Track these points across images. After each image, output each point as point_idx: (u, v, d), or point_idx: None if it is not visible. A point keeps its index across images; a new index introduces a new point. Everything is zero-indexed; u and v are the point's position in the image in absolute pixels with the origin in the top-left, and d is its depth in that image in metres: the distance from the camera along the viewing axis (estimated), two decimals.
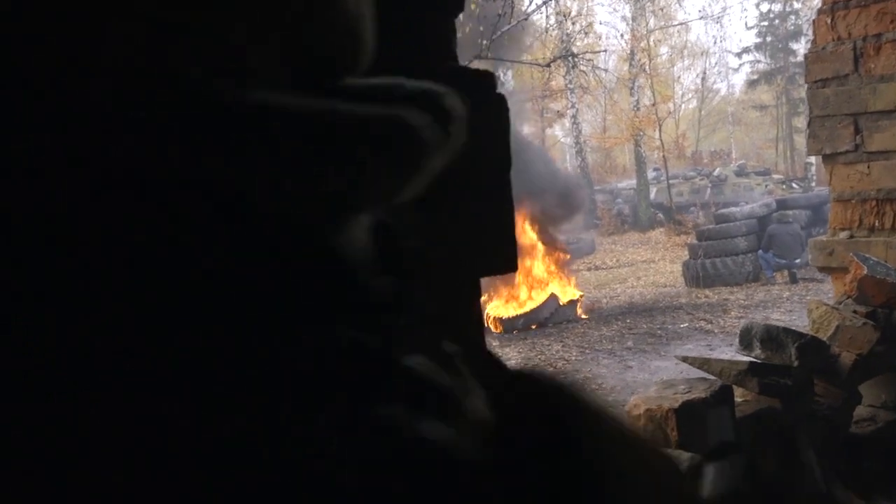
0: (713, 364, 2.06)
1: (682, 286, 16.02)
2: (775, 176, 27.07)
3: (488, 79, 1.04)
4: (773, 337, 2.14)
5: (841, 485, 2.27)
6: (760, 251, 15.27)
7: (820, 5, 2.79)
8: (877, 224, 2.70)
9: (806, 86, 2.90)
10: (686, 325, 11.88)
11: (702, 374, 2.14)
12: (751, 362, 2.01)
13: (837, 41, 2.71)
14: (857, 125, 2.69)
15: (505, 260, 1.09)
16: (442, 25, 1.01)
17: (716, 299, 13.99)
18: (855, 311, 2.45)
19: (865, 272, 2.48)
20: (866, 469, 2.42)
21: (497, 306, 13.21)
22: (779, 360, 2.15)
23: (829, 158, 2.77)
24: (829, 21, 2.73)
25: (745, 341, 2.17)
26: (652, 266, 20.60)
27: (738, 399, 2.15)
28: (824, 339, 2.32)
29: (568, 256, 14.58)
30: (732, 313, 12.45)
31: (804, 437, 2.17)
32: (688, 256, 16.55)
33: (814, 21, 2.81)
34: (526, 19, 11.86)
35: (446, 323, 0.90)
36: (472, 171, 1.02)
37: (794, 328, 2.20)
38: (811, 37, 2.86)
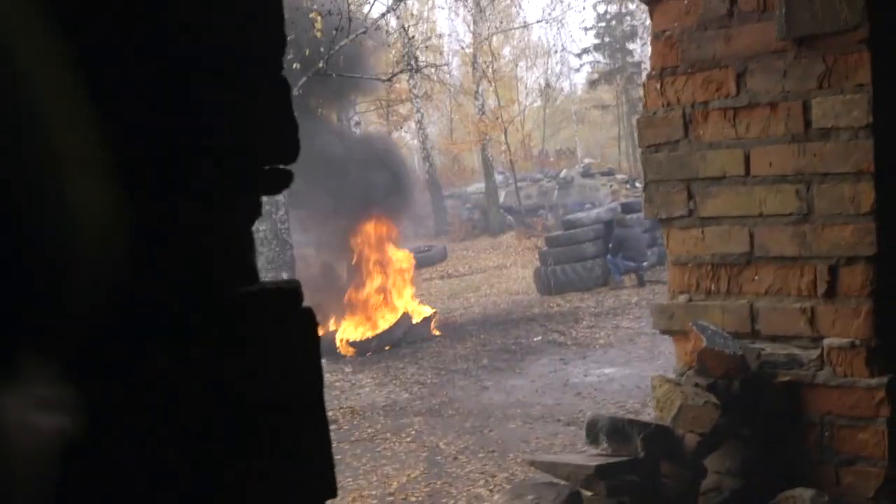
0: (560, 468, 2.04)
1: (534, 293, 16.40)
2: (619, 176, 28.16)
3: (291, 293, 0.95)
4: (618, 430, 2.15)
5: None
6: (609, 256, 15.84)
7: (649, 71, 2.85)
8: (713, 288, 2.79)
9: (639, 148, 2.96)
10: (539, 338, 12.15)
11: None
12: (597, 466, 2.01)
13: (667, 107, 2.78)
14: (690, 190, 2.77)
15: (326, 484, 1.00)
16: (237, 241, 0.91)
17: (567, 307, 14.39)
18: (696, 384, 2.51)
19: (705, 344, 2.54)
20: None
21: (348, 328, 13.08)
22: (626, 453, 2.16)
23: (665, 223, 2.84)
24: (658, 87, 2.80)
25: (592, 435, 2.18)
26: (504, 272, 20.99)
27: (587, 494, 2.14)
28: (668, 418, 2.36)
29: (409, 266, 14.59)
30: (584, 322, 12.84)
31: None
32: (538, 263, 16.97)
33: (643, 85, 2.87)
34: (364, 32, 11.79)
35: None
36: (281, 389, 0.93)
37: (638, 419, 2.22)
38: (642, 94, 2.93)
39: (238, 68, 0.88)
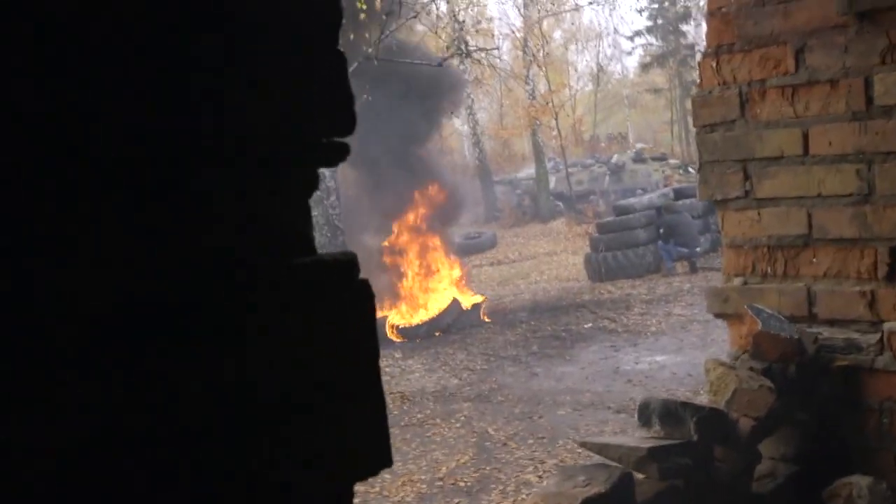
0: (612, 450, 2.04)
1: (584, 280, 16.32)
2: (672, 161, 27.85)
3: (348, 264, 0.96)
4: (671, 412, 2.14)
5: None
6: (660, 242, 15.68)
7: (705, 48, 2.81)
8: (769, 271, 2.75)
9: (694, 128, 2.92)
10: (590, 325, 12.09)
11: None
12: (650, 448, 2.00)
13: (723, 86, 2.74)
14: (747, 171, 2.72)
15: (381, 458, 1.02)
16: (288, 212, 0.92)
17: (618, 294, 14.29)
18: (751, 368, 2.48)
19: (760, 327, 2.51)
20: None
21: (397, 314, 13.16)
22: (678, 436, 2.14)
23: (720, 204, 2.80)
24: (714, 65, 2.76)
25: (644, 418, 2.17)
26: (554, 258, 20.92)
27: (640, 477, 2.14)
28: (722, 402, 2.33)
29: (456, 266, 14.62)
30: (635, 309, 12.74)
31: None
32: (589, 249, 16.87)
33: (699, 64, 2.83)
34: (415, 17, 11.79)
35: None
36: (338, 372, 0.94)
37: (691, 402, 2.20)
38: (698, 72, 2.89)
39: (297, 38, 0.89)
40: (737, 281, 2.84)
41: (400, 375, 10.49)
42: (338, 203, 11.37)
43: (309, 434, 0.91)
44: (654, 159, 27.15)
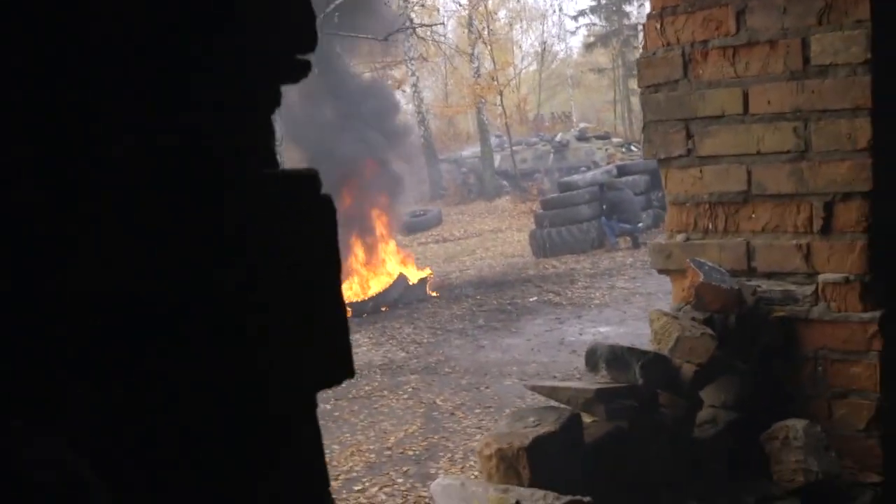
0: (561, 393, 2.10)
1: (529, 256, 16.49)
2: (615, 139, 28.15)
3: (311, 180, 0.99)
4: (617, 357, 2.21)
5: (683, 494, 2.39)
6: (603, 218, 15.90)
7: (650, 10, 2.87)
8: (710, 227, 2.83)
9: (638, 88, 2.99)
10: (535, 298, 12.24)
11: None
12: (597, 389, 2.07)
13: (667, 47, 2.81)
14: (689, 130, 2.80)
15: (342, 368, 1.05)
16: (256, 127, 0.95)
17: (563, 269, 14.47)
18: (693, 318, 2.56)
19: (702, 279, 2.60)
20: (708, 471, 2.55)
21: (344, 290, 13.12)
22: (624, 380, 2.22)
23: (663, 163, 2.88)
24: (658, 26, 2.82)
25: (591, 363, 2.23)
26: (499, 235, 21.07)
27: (587, 420, 2.20)
28: (665, 350, 2.41)
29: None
30: (580, 283, 12.93)
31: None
32: (534, 225, 17.03)
33: (644, 25, 2.89)
34: None
35: None
36: (300, 285, 0.97)
37: (636, 347, 2.28)
38: (641, 41, 2.95)
39: None
40: (679, 237, 2.93)
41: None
42: (283, 162, 11.26)
43: (272, 337, 0.95)
44: (597, 138, 27.43)
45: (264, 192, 0.94)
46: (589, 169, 21.75)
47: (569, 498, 1.75)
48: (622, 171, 17.90)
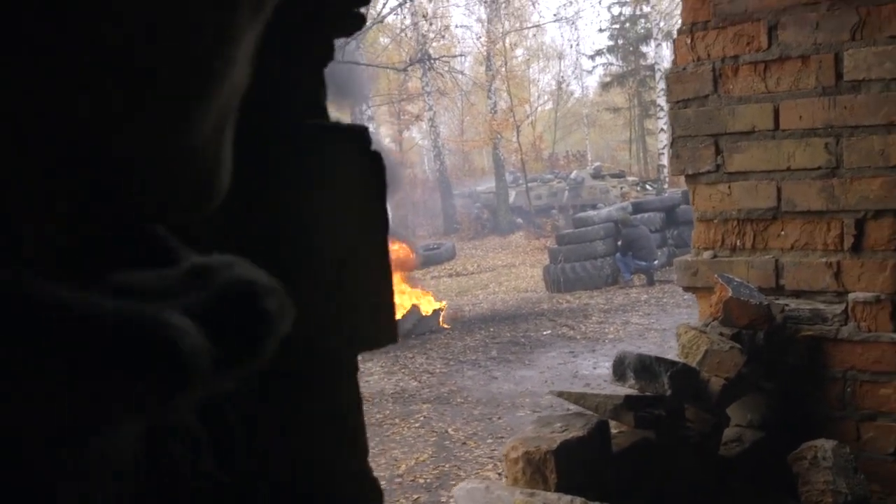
0: (589, 399, 2.06)
1: (543, 291, 16.42)
2: (630, 178, 28.18)
3: (362, 134, 0.98)
4: (646, 367, 2.18)
5: None
6: (618, 254, 15.85)
7: (680, 26, 2.87)
8: (738, 244, 2.81)
9: (667, 104, 2.98)
10: (549, 332, 12.16)
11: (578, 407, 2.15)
12: (626, 396, 2.03)
13: (697, 62, 2.80)
14: (718, 146, 2.78)
15: (387, 332, 1.03)
16: (308, 78, 0.94)
17: (577, 304, 14.40)
18: (721, 334, 2.53)
19: (730, 294, 2.56)
20: (734, 489, 2.50)
21: None
22: (652, 390, 2.18)
23: (691, 179, 2.85)
24: (688, 41, 2.82)
25: (619, 372, 2.20)
26: (513, 271, 21.02)
27: (613, 431, 2.17)
28: (693, 363, 2.38)
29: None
30: (594, 318, 12.84)
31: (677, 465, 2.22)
32: (548, 261, 16.99)
33: (674, 41, 2.89)
34: (381, 21, 11.84)
35: None
36: (345, 241, 0.95)
37: (665, 357, 2.24)
38: (669, 54, 2.94)
39: None
40: (706, 254, 2.90)
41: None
42: None
43: (318, 295, 0.92)
44: (612, 176, 27.45)
45: (317, 142, 0.93)
46: (604, 205, 21.74)
47: None
48: (637, 208, 17.85)
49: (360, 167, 0.97)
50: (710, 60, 2.80)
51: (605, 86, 38.25)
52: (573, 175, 28.03)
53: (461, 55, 23.69)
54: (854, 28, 2.53)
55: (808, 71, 2.62)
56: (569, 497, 1.81)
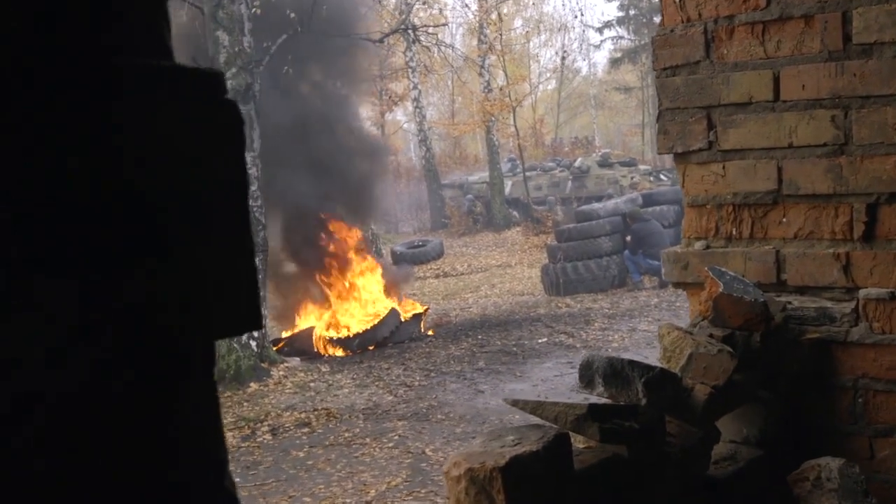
0: (547, 408, 2.01)
1: (540, 294, 16.41)
2: (642, 166, 28.19)
3: (213, 80, 0.92)
4: (617, 372, 2.12)
5: None
6: (626, 252, 15.83)
7: None
8: (734, 232, 2.77)
9: (654, 71, 2.93)
10: (545, 339, 12.14)
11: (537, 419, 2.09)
12: (590, 405, 1.98)
13: (687, 23, 2.76)
14: (711, 120, 2.74)
15: (248, 317, 0.97)
16: (147, 11, 0.88)
17: (578, 308, 14.38)
18: (711, 335, 2.48)
19: (721, 289, 2.52)
20: None
21: (325, 325, 13.08)
22: (625, 399, 2.13)
23: (680, 157, 2.81)
24: (677, 0, 2.78)
25: (587, 378, 2.15)
26: (508, 271, 21.02)
27: (579, 446, 2.12)
28: (676, 369, 2.33)
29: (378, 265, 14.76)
30: (596, 324, 12.83)
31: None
32: (546, 260, 16.95)
33: (661, 0, 2.85)
34: None
35: None
36: (192, 206, 0.90)
37: (641, 360, 2.19)
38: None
39: None
40: (698, 245, 2.85)
41: (326, 391, 10.41)
42: (258, 194, 11.27)
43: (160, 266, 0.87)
44: (622, 164, 27.45)
45: (154, 87, 0.87)
46: (612, 197, 21.73)
47: None
48: (648, 200, 17.84)
49: (211, 119, 0.91)
50: (702, 21, 2.75)
51: (614, 62, 38.31)
52: (577, 163, 28.03)
53: (445, 24, 23.57)
54: None
55: (813, 33, 2.58)
56: None
